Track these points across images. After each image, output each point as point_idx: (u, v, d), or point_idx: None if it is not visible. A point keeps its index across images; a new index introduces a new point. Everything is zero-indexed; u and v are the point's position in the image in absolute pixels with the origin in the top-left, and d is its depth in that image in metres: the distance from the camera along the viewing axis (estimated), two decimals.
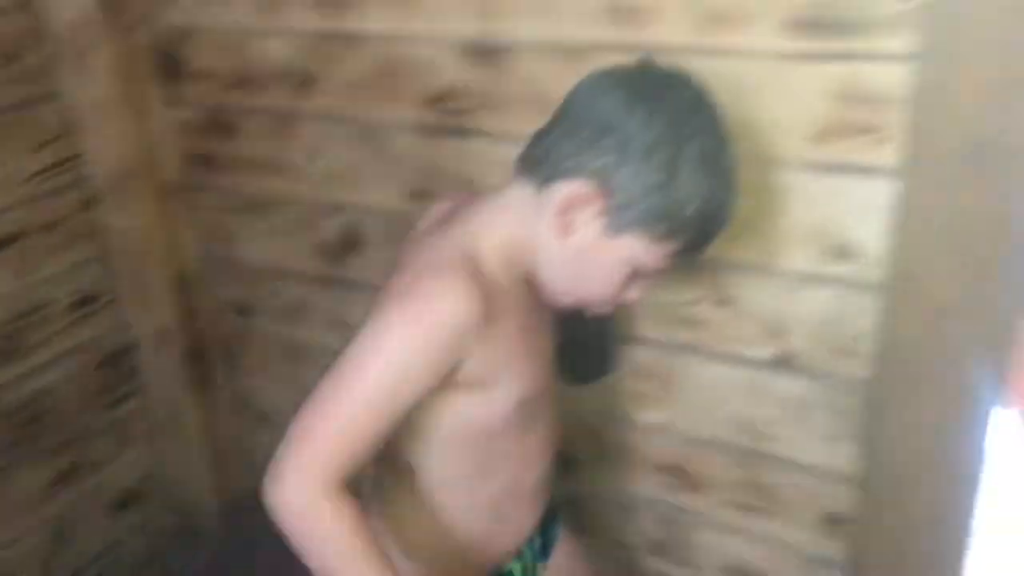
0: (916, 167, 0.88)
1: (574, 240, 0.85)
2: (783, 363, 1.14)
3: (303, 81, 1.31)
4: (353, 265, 1.43)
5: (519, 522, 1.02)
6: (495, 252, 0.87)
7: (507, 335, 0.85)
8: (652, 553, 1.38)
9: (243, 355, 1.65)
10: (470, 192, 1.02)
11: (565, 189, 0.83)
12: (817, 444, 1.17)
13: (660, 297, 1.18)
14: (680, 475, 1.28)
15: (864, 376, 1.08)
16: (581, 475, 1.37)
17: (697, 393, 1.21)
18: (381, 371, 0.80)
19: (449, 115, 1.21)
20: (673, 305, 1.18)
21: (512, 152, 1.18)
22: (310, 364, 1.58)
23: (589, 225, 0.84)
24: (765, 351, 1.15)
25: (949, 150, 0.86)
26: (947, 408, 1.03)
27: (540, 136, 0.88)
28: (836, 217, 1.01)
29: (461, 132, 1.21)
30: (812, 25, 0.93)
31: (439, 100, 1.21)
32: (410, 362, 0.80)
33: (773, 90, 0.98)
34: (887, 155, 0.93)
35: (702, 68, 0.98)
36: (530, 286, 0.89)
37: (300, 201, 1.42)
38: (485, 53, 1.14)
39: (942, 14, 0.83)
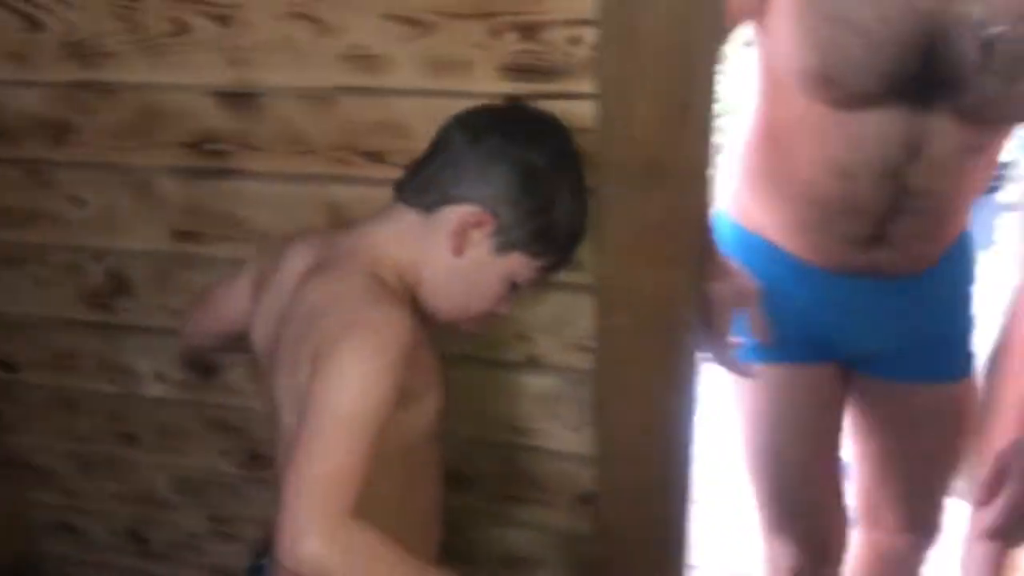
0: (606, 186, 1.07)
1: (465, 259, 0.97)
2: (532, 363, 1.30)
3: (60, 131, 1.34)
4: (122, 309, 1.45)
5: (436, 535, 1.11)
6: (392, 275, 0.97)
7: (422, 347, 0.96)
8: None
9: (10, 411, 1.62)
10: (325, 230, 1.11)
11: (457, 213, 0.95)
12: (567, 433, 1.33)
13: None
14: (456, 476, 1.40)
15: (591, 368, 1.25)
16: None
17: (467, 396, 1.33)
18: (359, 404, 0.85)
19: (209, 157, 1.28)
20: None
21: (272, 189, 1.28)
22: (84, 412, 1.57)
23: (479, 245, 0.96)
24: (518, 354, 1.30)
25: (630, 171, 1.05)
26: (661, 388, 1.21)
27: (419, 167, 0.99)
28: None
29: (222, 173, 1.29)
30: (520, 71, 1.10)
31: (198, 144, 1.28)
32: (382, 386, 0.86)
33: None
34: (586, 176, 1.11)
35: (434, 107, 1.12)
36: (414, 305, 0.99)
37: (63, 249, 1.43)
38: (239, 99, 1.23)
39: (612, 61, 1.02)
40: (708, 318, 1.14)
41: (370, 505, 0.85)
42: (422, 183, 0.98)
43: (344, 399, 0.86)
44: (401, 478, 1.01)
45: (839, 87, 1.12)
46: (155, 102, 1.27)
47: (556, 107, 1.08)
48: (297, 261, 1.02)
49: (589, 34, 1.05)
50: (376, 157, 1.21)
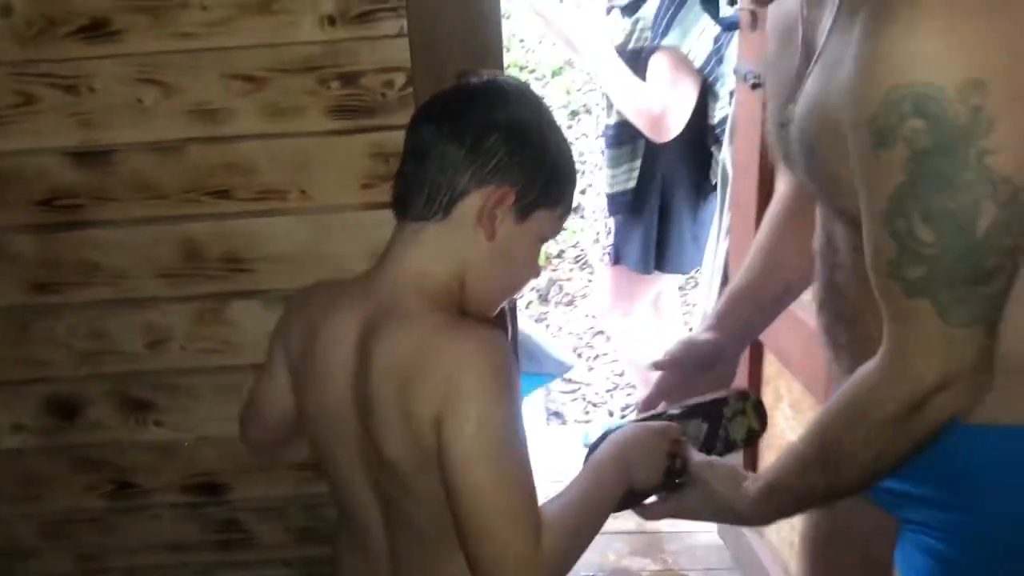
0: None
1: (499, 241, 0.97)
2: None
3: None
4: None
5: None
6: (446, 296, 0.98)
7: None
8: None
9: None
10: (342, 282, 1.08)
11: (474, 201, 0.95)
12: None
13: None
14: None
15: None
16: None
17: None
18: (512, 427, 0.89)
19: (62, 212, 1.42)
20: None
21: (126, 233, 1.44)
22: None
23: (505, 221, 0.97)
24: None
25: None
26: None
27: (411, 180, 0.98)
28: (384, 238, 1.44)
29: (76, 225, 1.43)
30: (345, 111, 1.36)
31: (51, 201, 1.42)
32: (518, 401, 0.91)
33: (328, 158, 1.39)
34: None
35: (274, 147, 1.37)
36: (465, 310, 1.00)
37: None
38: (90, 157, 1.39)
39: (423, 97, 1.32)
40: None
41: (443, 551, 0.93)
42: (424, 193, 0.96)
43: (498, 434, 0.88)
44: None
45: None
46: (4, 168, 1.40)
47: (377, 139, 1.36)
48: (346, 322, 0.99)
49: (399, 78, 1.34)
50: (223, 194, 1.42)
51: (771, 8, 1.11)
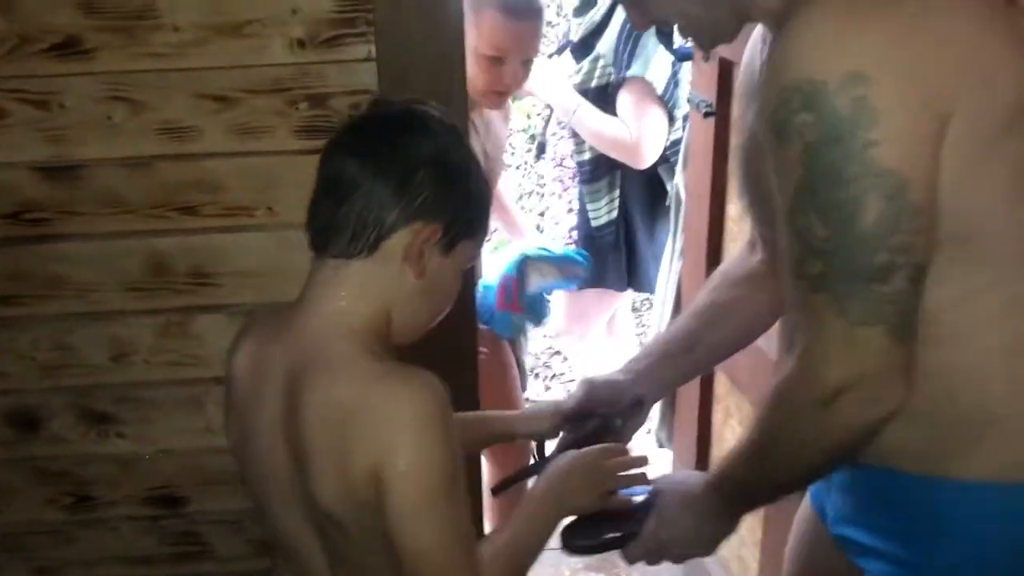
0: None
1: (427, 274, 0.97)
2: None
3: None
4: None
5: None
6: (373, 337, 0.97)
7: None
8: None
9: None
10: (261, 322, 1.09)
11: (402, 238, 0.95)
12: None
13: None
14: None
15: None
16: None
17: None
18: (448, 469, 0.90)
19: (30, 226, 1.44)
20: None
21: (93, 247, 1.46)
22: None
23: (431, 256, 0.97)
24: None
25: None
26: None
27: (331, 215, 0.96)
28: None
29: (43, 239, 1.45)
30: (313, 131, 1.40)
31: (18, 214, 1.44)
32: (453, 442, 0.92)
33: (294, 177, 1.43)
34: None
35: (242, 166, 1.40)
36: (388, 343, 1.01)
37: None
38: (59, 172, 1.42)
39: None
40: None
41: None
42: (348, 230, 0.95)
43: (436, 487, 0.90)
44: None
45: None
46: None
47: None
48: (272, 363, 0.99)
49: (367, 100, 1.39)
50: (191, 211, 1.45)
51: (742, 65, 1.18)
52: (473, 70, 1.65)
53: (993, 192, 0.89)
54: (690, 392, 2.19)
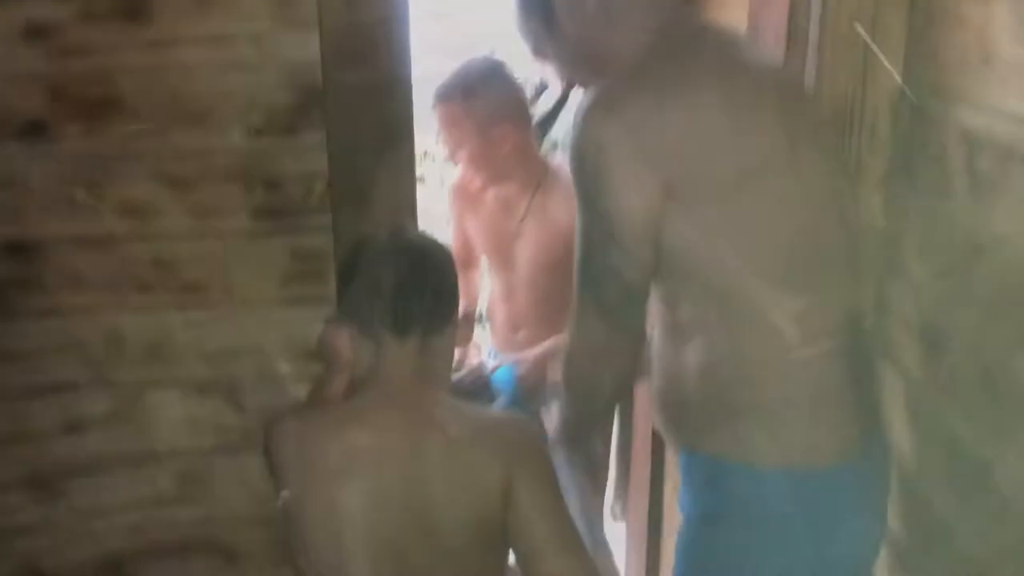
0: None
1: None
2: None
3: None
4: None
5: None
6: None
7: None
8: None
9: None
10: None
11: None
12: None
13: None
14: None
15: None
16: None
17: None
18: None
19: None
20: None
21: (64, 324, 1.49)
22: None
23: None
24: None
25: None
26: None
27: (404, 302, 1.28)
28: (305, 330, 1.52)
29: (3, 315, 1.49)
30: (269, 212, 1.47)
31: None
32: None
33: (250, 256, 1.49)
34: (324, 288, 1.49)
35: (200, 246, 1.46)
36: None
37: None
38: (20, 249, 1.46)
39: (338, 197, 1.44)
40: None
41: None
42: (411, 317, 1.29)
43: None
44: None
45: None
46: None
47: (297, 240, 1.47)
48: (386, 436, 1.27)
49: (319, 184, 1.45)
50: (147, 289, 1.50)
51: None
52: None
53: (712, 240, 1.20)
54: (642, 468, 2.25)
